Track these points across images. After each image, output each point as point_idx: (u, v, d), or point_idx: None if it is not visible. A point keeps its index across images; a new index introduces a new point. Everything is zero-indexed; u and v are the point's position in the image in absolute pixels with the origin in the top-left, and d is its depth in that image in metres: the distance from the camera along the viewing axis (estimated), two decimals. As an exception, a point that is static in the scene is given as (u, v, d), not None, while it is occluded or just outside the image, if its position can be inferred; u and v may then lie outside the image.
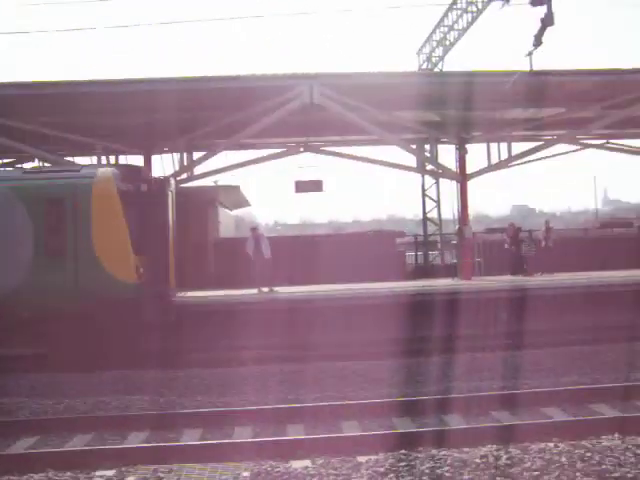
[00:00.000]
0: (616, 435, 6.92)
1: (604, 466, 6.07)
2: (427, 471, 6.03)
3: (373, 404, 8.96)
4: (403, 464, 6.23)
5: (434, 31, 24.93)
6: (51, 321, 12.81)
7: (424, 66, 25.88)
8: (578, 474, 5.93)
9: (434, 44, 25.20)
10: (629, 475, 5.91)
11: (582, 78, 16.94)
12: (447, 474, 5.98)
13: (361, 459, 6.49)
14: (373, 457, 6.51)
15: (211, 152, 18.51)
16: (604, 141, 22.52)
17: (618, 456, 6.27)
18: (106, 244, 13.57)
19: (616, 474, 5.94)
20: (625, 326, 14.17)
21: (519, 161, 20.94)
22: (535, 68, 16.42)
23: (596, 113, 18.93)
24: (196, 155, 19.72)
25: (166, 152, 20.40)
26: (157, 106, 16.32)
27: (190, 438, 8.04)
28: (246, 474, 6.25)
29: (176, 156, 19.96)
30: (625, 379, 10.08)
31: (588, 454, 6.30)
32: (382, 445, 6.87)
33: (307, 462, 6.57)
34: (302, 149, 21.23)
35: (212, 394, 10.28)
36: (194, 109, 16.80)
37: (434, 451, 6.53)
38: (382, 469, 6.14)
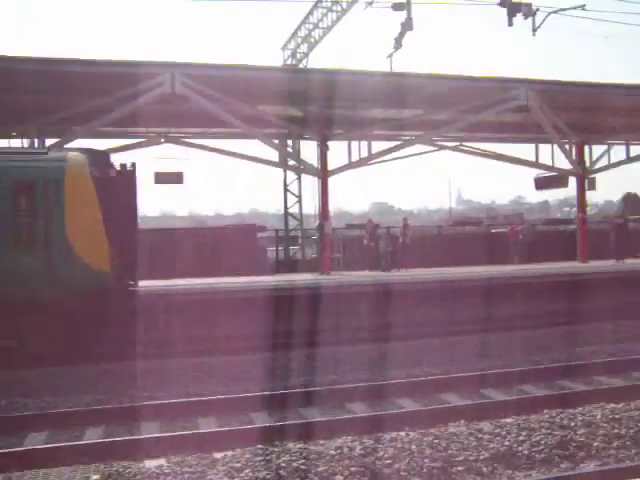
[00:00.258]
0: (462, 422, 7.30)
1: (450, 451, 6.39)
2: (283, 465, 6.05)
3: (230, 399, 8.88)
4: (260, 459, 6.21)
5: (299, 27, 25.14)
6: (18, 312, 11.81)
7: (289, 62, 26.01)
8: (426, 460, 6.21)
9: (299, 40, 25.42)
10: (471, 458, 6.27)
11: (439, 82, 17.78)
12: (302, 467, 6.03)
13: (217, 455, 6.41)
14: (230, 453, 6.44)
15: (65, 139, 17.51)
16: (458, 143, 23.71)
17: (462, 441, 6.63)
18: (80, 231, 12.69)
19: (460, 458, 6.28)
20: (474, 319, 15.03)
21: (379, 159, 21.61)
22: (396, 70, 17.01)
23: (451, 116, 19.91)
24: (49, 142, 18.58)
25: (14, 137, 19.13)
26: (6, 87, 15.23)
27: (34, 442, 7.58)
28: (96, 477, 5.97)
29: (26, 142, 18.74)
30: (471, 369, 10.64)
31: (436, 441, 6.60)
32: (239, 440, 6.82)
33: (162, 461, 6.39)
34: (163, 140, 20.67)
35: (61, 394, 9.74)
36: (48, 92, 15.83)
37: (290, 445, 6.57)
38: (239, 464, 6.08)
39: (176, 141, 20.66)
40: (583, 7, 16.27)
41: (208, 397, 9.09)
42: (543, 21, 17.26)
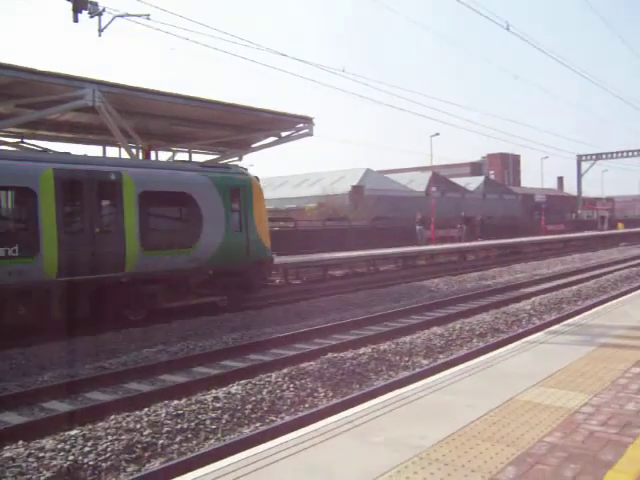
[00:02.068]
0: (20, 442, 6.67)
1: (4, 479, 5.77)
2: None
3: None
4: None
5: None
6: (226, 277, 17.14)
7: None
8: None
9: None
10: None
11: (-5, 71, 16.10)
12: None
13: None
14: None
15: None
16: (19, 140, 22.00)
17: (20, 464, 6.05)
18: (260, 222, 18.20)
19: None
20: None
21: None
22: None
23: (11, 110, 18.37)
24: None
25: None
26: None
27: None
28: None
29: None
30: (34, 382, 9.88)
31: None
32: None
33: None
34: None
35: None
36: None
37: None
38: None
39: None
40: (148, 16, 16.56)
41: None
42: (109, 23, 17.03)
